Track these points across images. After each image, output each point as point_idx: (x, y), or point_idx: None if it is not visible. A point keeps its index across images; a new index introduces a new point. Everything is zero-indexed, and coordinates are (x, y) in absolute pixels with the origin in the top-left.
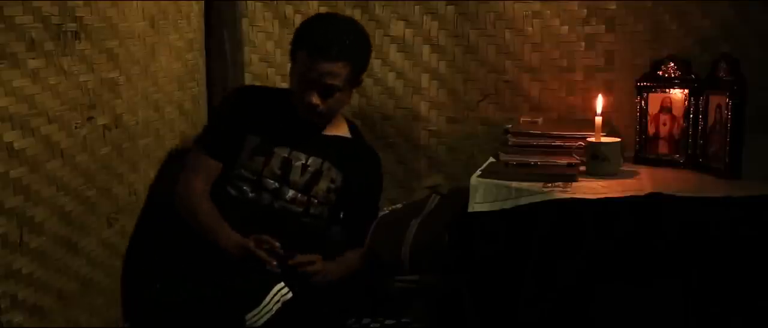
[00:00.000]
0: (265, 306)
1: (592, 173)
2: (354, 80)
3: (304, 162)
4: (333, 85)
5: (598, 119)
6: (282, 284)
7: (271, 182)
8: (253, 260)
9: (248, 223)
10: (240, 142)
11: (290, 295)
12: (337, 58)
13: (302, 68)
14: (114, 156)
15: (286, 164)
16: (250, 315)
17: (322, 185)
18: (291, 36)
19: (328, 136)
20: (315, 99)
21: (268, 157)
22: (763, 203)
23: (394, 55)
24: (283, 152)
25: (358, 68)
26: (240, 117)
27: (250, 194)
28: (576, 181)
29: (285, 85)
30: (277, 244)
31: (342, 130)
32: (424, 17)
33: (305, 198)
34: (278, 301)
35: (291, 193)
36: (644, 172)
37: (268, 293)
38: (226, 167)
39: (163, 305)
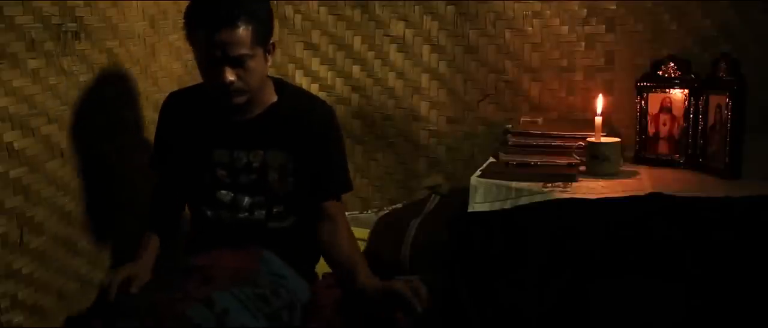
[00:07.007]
0: None
1: (592, 173)
2: (262, 42)
3: (246, 160)
4: (241, 56)
5: (598, 119)
6: None
7: (225, 193)
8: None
9: (218, 244)
10: (176, 152)
11: None
12: (232, 23)
13: (201, 48)
14: (114, 156)
15: (232, 170)
16: None
17: (272, 175)
18: (291, 36)
19: (259, 115)
20: (229, 75)
21: (211, 168)
22: (763, 203)
23: (394, 55)
24: (223, 157)
25: (261, 27)
26: (168, 126)
27: (209, 213)
28: (576, 181)
29: None
30: None
31: (270, 97)
32: (424, 17)
33: (262, 199)
34: None
35: (247, 200)
36: (644, 172)
37: None
38: (178, 181)
39: None
